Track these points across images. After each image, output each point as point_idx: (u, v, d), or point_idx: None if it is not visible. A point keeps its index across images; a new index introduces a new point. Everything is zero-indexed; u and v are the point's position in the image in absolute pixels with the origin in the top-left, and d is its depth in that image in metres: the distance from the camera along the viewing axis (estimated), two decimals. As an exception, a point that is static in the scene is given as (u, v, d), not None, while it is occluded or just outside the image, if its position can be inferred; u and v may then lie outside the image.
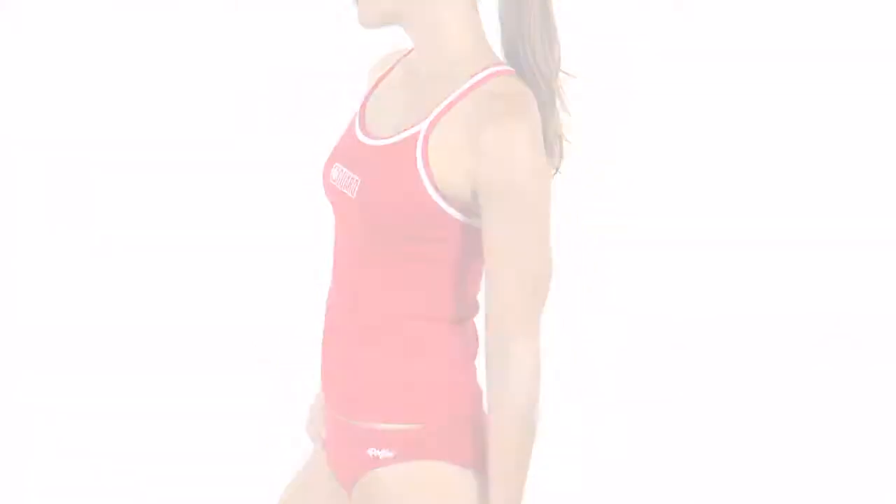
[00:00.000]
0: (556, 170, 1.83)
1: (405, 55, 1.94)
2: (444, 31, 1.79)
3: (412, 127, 1.77)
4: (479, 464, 1.87)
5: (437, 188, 1.74)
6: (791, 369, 4.10)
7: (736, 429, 3.95)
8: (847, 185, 4.28)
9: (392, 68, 1.94)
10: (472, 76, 1.77)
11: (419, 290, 1.82)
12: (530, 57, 1.76)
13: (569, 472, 3.78)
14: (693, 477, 3.79)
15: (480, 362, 1.88)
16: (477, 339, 1.92)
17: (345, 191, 1.82)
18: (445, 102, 1.75)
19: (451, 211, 1.76)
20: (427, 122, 1.75)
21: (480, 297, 1.88)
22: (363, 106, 1.91)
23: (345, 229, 1.86)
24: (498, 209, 1.72)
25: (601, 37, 4.14)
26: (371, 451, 1.86)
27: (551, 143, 1.80)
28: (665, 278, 4.17)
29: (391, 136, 1.79)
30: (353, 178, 1.81)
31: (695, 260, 4.16)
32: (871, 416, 4.00)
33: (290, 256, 4.12)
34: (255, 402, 3.77)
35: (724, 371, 4.07)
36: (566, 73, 1.81)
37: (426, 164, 1.74)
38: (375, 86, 1.94)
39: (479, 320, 1.89)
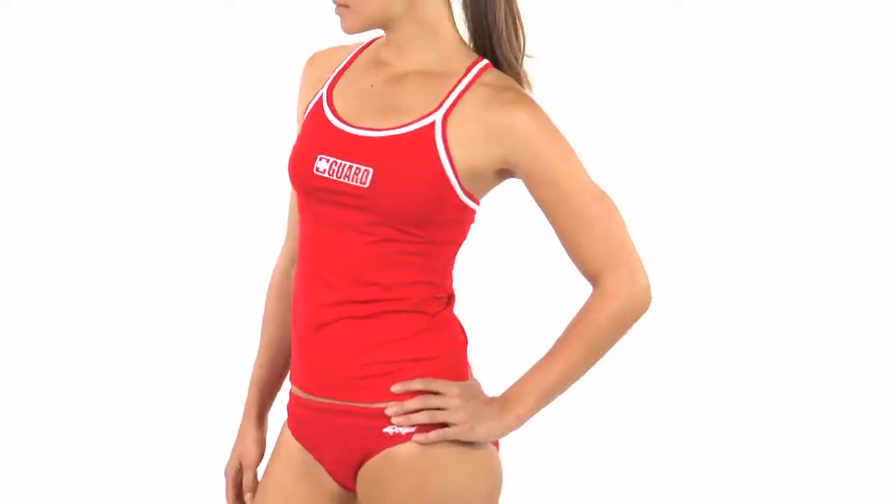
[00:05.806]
0: None
1: (360, 50, 2.04)
2: (433, 30, 1.95)
3: (422, 119, 1.91)
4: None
5: (457, 175, 1.89)
6: (786, 368, 4.11)
7: (734, 426, 3.96)
8: (847, 188, 4.29)
9: (349, 64, 2.03)
10: (468, 70, 1.93)
11: (424, 270, 1.94)
12: (497, 43, 1.94)
13: (565, 471, 3.79)
14: (692, 476, 3.80)
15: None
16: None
17: (344, 180, 1.91)
18: (454, 95, 1.91)
19: (463, 195, 1.91)
20: (440, 113, 1.90)
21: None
22: (329, 97, 1.99)
23: (334, 217, 1.93)
24: (544, 176, 1.90)
25: (599, 37, 4.15)
26: (389, 430, 1.93)
27: None
28: (662, 278, 4.17)
29: (396, 128, 1.92)
30: (359, 169, 1.91)
31: (693, 259, 4.17)
32: (871, 415, 4.00)
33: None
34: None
35: (723, 370, 4.08)
36: (529, 56, 1.97)
37: (448, 153, 1.89)
38: (336, 79, 2.02)
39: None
